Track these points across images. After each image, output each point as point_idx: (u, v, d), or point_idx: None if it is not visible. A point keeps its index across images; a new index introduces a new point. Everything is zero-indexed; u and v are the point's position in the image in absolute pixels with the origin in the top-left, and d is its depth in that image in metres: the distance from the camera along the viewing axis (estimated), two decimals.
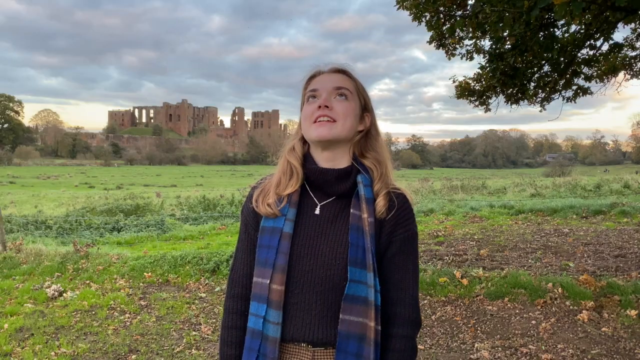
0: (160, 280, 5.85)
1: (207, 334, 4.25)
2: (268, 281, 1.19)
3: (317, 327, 1.18)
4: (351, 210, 1.20)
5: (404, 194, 1.26)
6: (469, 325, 4.24)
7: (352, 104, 1.24)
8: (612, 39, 6.20)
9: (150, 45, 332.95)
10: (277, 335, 1.19)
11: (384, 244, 1.22)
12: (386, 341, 1.21)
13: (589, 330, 4.04)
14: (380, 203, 1.21)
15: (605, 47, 6.51)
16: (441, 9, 5.77)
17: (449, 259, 6.65)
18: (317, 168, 1.23)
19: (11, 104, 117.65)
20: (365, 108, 1.29)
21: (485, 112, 7.59)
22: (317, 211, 1.24)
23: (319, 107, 1.20)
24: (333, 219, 1.22)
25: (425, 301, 4.85)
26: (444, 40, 6.61)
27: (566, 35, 6.29)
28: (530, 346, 3.79)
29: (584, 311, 4.32)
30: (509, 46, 6.14)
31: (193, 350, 3.94)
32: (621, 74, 7.59)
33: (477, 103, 7.39)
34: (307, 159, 1.26)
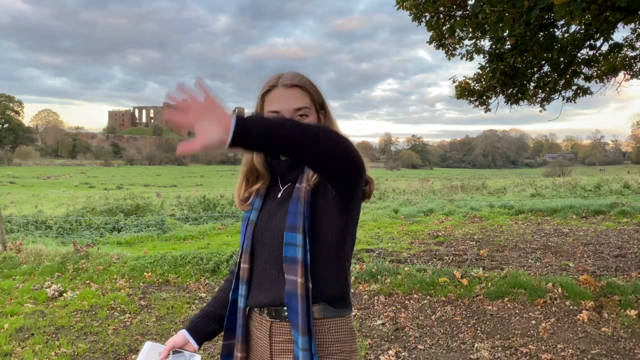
0: (160, 280, 5.85)
1: None
2: (240, 261, 1.43)
3: (274, 290, 1.35)
4: (296, 185, 1.36)
5: None
6: (469, 325, 4.24)
7: (311, 119, 1.35)
8: (612, 39, 6.21)
9: (155, 45, 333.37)
10: (242, 305, 1.42)
11: (330, 196, 1.32)
12: None
13: (588, 330, 4.04)
14: (310, 173, 1.35)
15: (605, 47, 6.52)
16: (441, 9, 5.77)
17: (449, 259, 6.65)
18: (274, 162, 1.41)
19: (11, 104, 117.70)
20: (320, 108, 1.40)
21: (485, 112, 7.60)
22: (279, 194, 1.42)
23: None
24: (287, 197, 1.39)
25: (425, 301, 4.85)
26: (444, 40, 6.62)
27: (566, 35, 6.30)
28: (530, 346, 3.79)
29: (584, 311, 4.32)
30: (509, 46, 6.15)
31: None
32: (621, 74, 7.60)
33: (477, 103, 7.40)
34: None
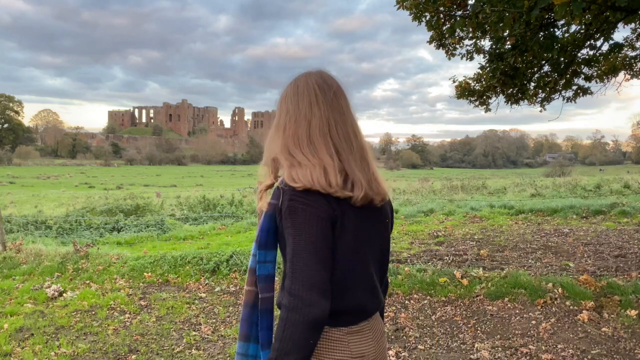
0: (160, 280, 5.85)
1: (207, 334, 4.25)
2: None
3: None
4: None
5: (278, 187, 1.30)
6: (469, 325, 4.24)
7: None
8: (612, 39, 6.19)
9: (156, 45, 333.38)
10: None
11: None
12: None
13: (589, 330, 4.03)
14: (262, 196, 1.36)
15: (605, 47, 6.51)
16: (441, 9, 5.77)
17: (449, 259, 6.65)
18: None
19: (11, 104, 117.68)
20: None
21: (486, 112, 7.59)
22: None
23: None
24: None
25: (426, 301, 4.85)
26: (444, 40, 6.61)
27: (566, 35, 6.29)
28: (530, 346, 3.79)
29: (584, 311, 4.32)
30: (509, 46, 6.14)
31: (193, 350, 3.94)
32: (621, 74, 7.59)
33: (477, 103, 7.39)
34: None
